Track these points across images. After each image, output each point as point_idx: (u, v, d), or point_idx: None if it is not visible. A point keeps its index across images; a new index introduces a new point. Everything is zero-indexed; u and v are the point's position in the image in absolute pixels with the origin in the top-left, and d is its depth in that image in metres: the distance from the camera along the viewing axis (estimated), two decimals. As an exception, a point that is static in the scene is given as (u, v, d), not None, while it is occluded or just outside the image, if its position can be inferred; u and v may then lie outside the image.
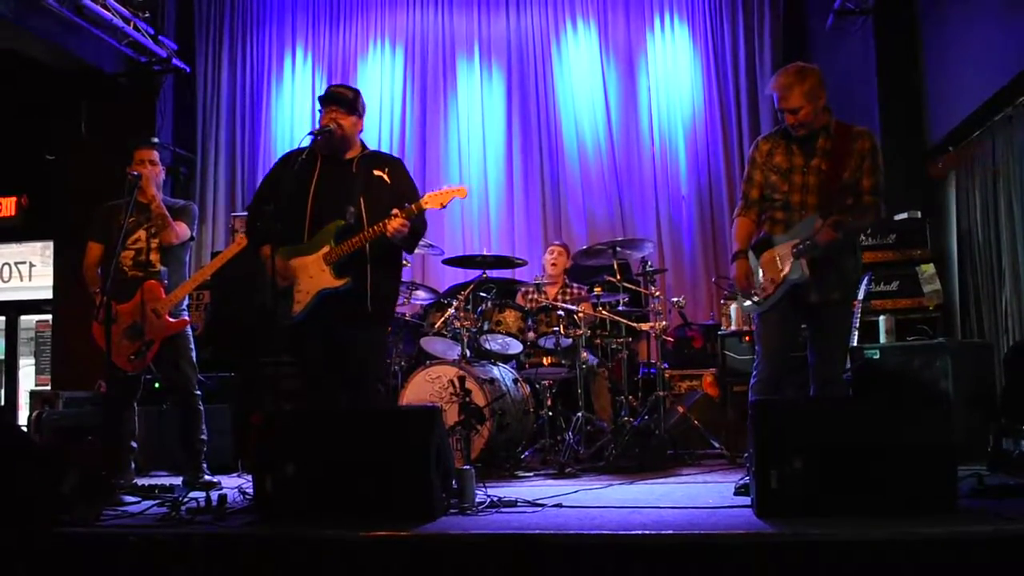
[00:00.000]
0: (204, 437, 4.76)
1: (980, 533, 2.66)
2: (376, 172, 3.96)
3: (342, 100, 3.94)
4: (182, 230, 4.75)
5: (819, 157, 3.80)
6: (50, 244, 8.71)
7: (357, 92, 4.04)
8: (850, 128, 3.83)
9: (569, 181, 8.28)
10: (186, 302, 4.87)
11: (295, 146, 3.94)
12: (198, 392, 4.78)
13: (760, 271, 3.92)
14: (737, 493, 3.70)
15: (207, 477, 4.67)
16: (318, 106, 4.04)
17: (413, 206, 3.76)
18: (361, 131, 4.09)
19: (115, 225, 4.62)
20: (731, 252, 4.09)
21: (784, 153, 3.87)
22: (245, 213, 7.34)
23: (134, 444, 4.78)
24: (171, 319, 4.64)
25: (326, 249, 3.83)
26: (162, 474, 5.40)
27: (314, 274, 3.84)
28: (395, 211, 3.74)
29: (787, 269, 3.79)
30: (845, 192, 3.77)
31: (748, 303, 4.00)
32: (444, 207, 3.88)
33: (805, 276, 3.74)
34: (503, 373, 5.53)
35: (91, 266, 4.76)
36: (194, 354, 4.80)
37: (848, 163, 3.76)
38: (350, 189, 3.88)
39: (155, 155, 4.83)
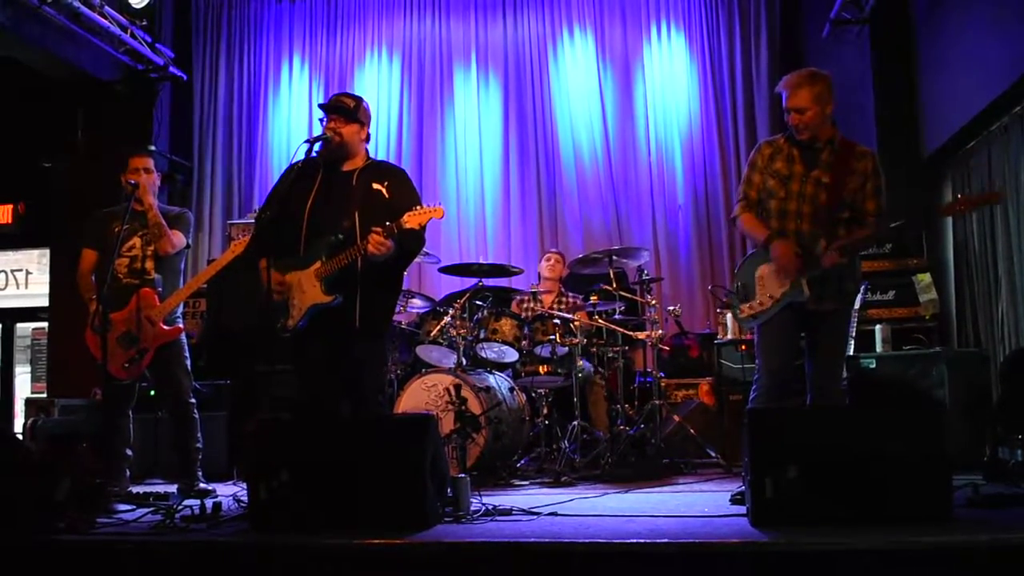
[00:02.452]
0: (199, 445, 4.75)
1: (976, 543, 2.66)
2: (375, 186, 3.87)
3: (341, 109, 3.91)
4: (178, 239, 4.75)
5: (821, 169, 3.80)
6: (46, 252, 8.70)
7: (359, 100, 3.97)
8: (854, 146, 3.85)
9: (565, 190, 8.26)
10: (181, 309, 4.87)
11: (291, 154, 3.92)
12: (193, 400, 4.78)
13: (757, 285, 3.92)
14: (733, 502, 3.70)
15: (202, 485, 4.65)
16: (320, 113, 3.99)
17: (392, 224, 3.64)
18: (367, 139, 4.01)
19: (110, 232, 4.62)
20: (755, 244, 3.97)
21: (785, 160, 3.87)
22: (241, 221, 7.35)
23: (129, 452, 4.77)
24: (165, 326, 4.63)
25: (317, 264, 3.76)
26: (157, 482, 5.37)
27: (306, 289, 3.79)
28: (375, 229, 3.64)
29: (788, 287, 3.79)
30: (843, 207, 3.78)
31: (743, 316, 3.99)
32: (422, 227, 3.71)
33: (806, 296, 3.74)
34: (499, 381, 5.52)
35: (85, 273, 4.75)
36: (189, 362, 4.80)
37: (849, 181, 3.77)
38: (347, 203, 3.81)
39: (151, 163, 4.84)
